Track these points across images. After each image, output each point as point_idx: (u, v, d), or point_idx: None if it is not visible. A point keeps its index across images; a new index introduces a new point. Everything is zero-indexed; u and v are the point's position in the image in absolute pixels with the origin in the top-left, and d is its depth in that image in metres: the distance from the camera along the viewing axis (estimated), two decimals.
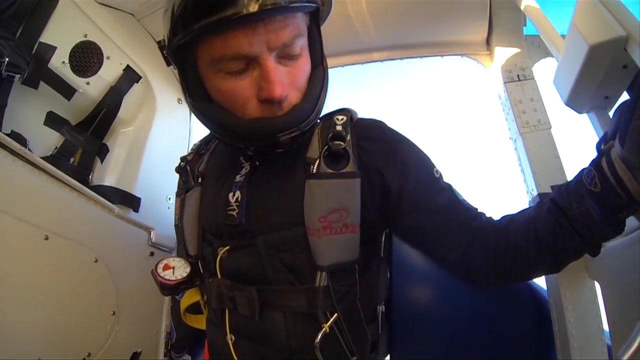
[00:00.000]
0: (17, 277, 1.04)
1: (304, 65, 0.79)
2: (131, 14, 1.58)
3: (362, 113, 0.96)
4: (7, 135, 1.06)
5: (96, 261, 1.28)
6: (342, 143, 0.83)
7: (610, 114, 0.85)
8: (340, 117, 0.89)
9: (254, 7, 0.65)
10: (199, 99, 0.82)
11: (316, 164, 0.82)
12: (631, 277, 0.82)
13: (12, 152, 1.04)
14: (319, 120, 0.94)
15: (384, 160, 0.85)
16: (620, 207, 0.63)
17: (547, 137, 1.25)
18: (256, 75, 0.73)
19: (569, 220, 0.69)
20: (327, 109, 0.93)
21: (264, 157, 0.88)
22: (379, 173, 0.84)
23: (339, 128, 0.86)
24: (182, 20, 0.70)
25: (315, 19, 0.82)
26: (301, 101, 0.78)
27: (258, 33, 0.69)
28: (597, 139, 0.70)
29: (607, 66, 0.75)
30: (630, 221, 0.69)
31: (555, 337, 1.07)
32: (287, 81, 0.75)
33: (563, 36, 0.92)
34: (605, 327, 0.99)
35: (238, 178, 0.88)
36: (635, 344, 0.50)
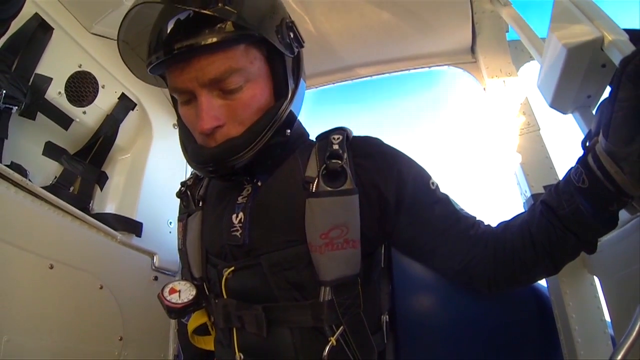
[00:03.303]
0: (24, 307, 1.04)
1: (248, 98, 0.80)
2: None
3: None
4: (7, 166, 1.07)
5: (101, 288, 1.28)
6: (340, 161, 0.84)
7: (594, 112, 0.88)
8: (336, 136, 0.90)
9: (167, 53, 0.73)
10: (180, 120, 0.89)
11: (315, 182, 0.83)
12: (628, 268, 0.84)
13: (14, 183, 1.05)
14: (315, 140, 0.96)
15: (381, 175, 0.86)
16: (609, 201, 0.64)
17: (537, 139, 1.27)
18: (197, 107, 0.78)
19: (561, 219, 0.71)
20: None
21: (265, 178, 0.90)
22: (376, 188, 0.85)
23: (335, 147, 0.87)
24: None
25: (277, 51, 0.83)
26: (238, 135, 0.80)
27: (186, 71, 0.76)
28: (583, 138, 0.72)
29: (586, 67, 0.78)
30: (622, 214, 0.71)
31: (560, 334, 1.08)
32: (222, 115, 0.79)
33: (544, 39, 0.95)
34: (608, 319, 1.00)
35: (240, 199, 0.89)
36: (636, 330, 0.51)
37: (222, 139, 0.80)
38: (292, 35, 0.84)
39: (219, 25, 0.74)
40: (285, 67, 0.85)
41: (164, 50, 0.74)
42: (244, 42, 0.78)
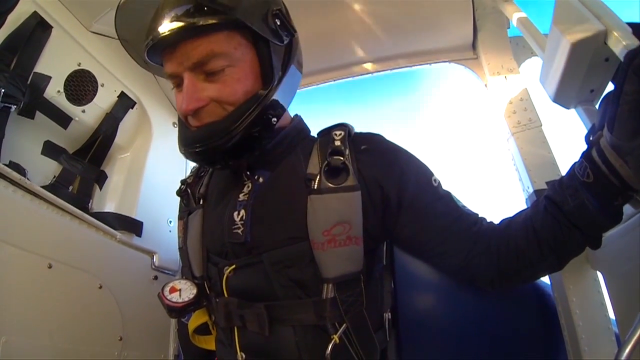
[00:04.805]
0: (22, 307, 1.03)
1: (232, 82, 0.80)
2: None
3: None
4: (5, 165, 1.07)
5: (100, 287, 1.28)
6: (342, 158, 0.84)
7: (597, 106, 0.87)
8: (338, 132, 0.91)
9: (155, 38, 0.76)
10: None
11: (317, 179, 0.83)
12: (632, 263, 0.83)
13: (13, 182, 1.05)
14: (317, 136, 0.96)
15: (383, 172, 0.86)
16: (614, 195, 0.64)
17: (539, 135, 1.26)
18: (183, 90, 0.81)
19: (565, 214, 0.71)
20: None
21: (267, 175, 0.90)
22: (378, 184, 0.85)
23: (337, 143, 0.88)
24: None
25: (264, 38, 0.83)
26: (222, 118, 0.81)
27: (174, 56, 0.79)
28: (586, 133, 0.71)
29: (590, 61, 0.77)
30: (626, 208, 0.70)
31: (563, 330, 1.08)
32: (206, 96, 0.80)
33: (546, 35, 0.94)
34: (612, 315, 1.00)
35: (242, 197, 0.88)
36: None
37: (206, 120, 0.81)
38: (278, 23, 0.84)
39: (203, 12, 0.75)
40: (270, 59, 0.85)
41: (153, 36, 0.76)
42: (227, 29, 0.80)
